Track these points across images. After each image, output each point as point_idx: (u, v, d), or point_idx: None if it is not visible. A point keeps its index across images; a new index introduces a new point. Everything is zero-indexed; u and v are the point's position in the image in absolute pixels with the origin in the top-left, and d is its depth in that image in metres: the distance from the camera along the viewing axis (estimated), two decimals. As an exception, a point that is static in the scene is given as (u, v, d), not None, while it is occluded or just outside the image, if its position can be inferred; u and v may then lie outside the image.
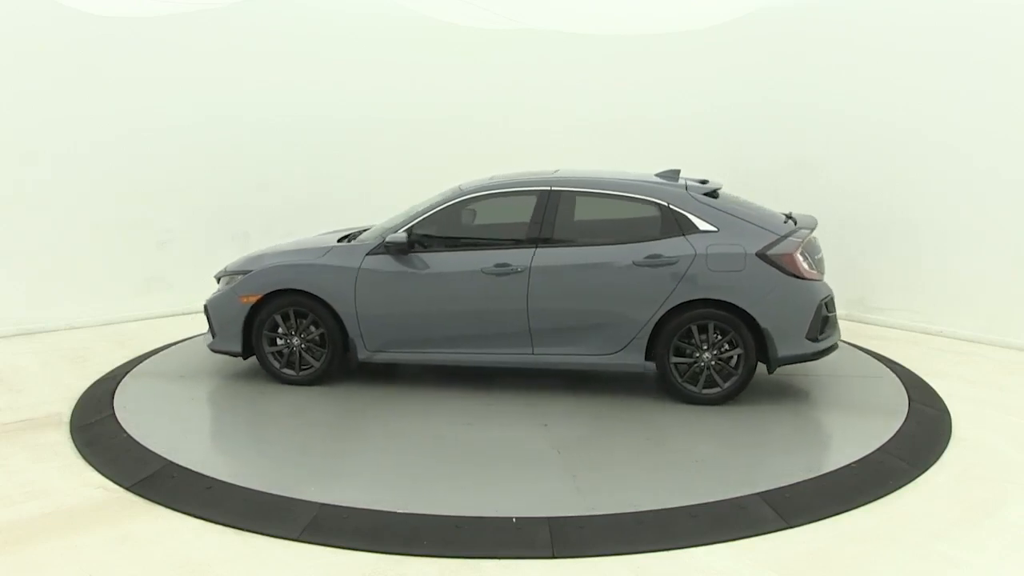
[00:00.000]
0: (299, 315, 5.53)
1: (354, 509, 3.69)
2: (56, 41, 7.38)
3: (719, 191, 5.48)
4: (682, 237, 5.11)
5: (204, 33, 8.22)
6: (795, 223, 5.30)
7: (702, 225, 5.12)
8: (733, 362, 5.09)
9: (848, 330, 7.34)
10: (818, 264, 5.21)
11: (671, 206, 5.19)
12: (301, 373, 5.57)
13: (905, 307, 7.55)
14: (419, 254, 5.35)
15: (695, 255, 5.03)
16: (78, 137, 7.52)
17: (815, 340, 5.04)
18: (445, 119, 9.61)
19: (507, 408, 5.11)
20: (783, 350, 5.02)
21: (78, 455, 4.41)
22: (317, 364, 5.55)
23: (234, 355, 5.69)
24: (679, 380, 5.13)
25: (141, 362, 6.16)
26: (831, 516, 3.67)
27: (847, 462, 4.20)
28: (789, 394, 5.38)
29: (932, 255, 7.38)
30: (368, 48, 9.24)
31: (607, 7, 9.71)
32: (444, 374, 5.80)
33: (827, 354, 5.20)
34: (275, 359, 5.61)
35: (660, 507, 3.71)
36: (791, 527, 3.57)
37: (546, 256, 5.19)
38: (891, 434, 4.60)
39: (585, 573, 3.22)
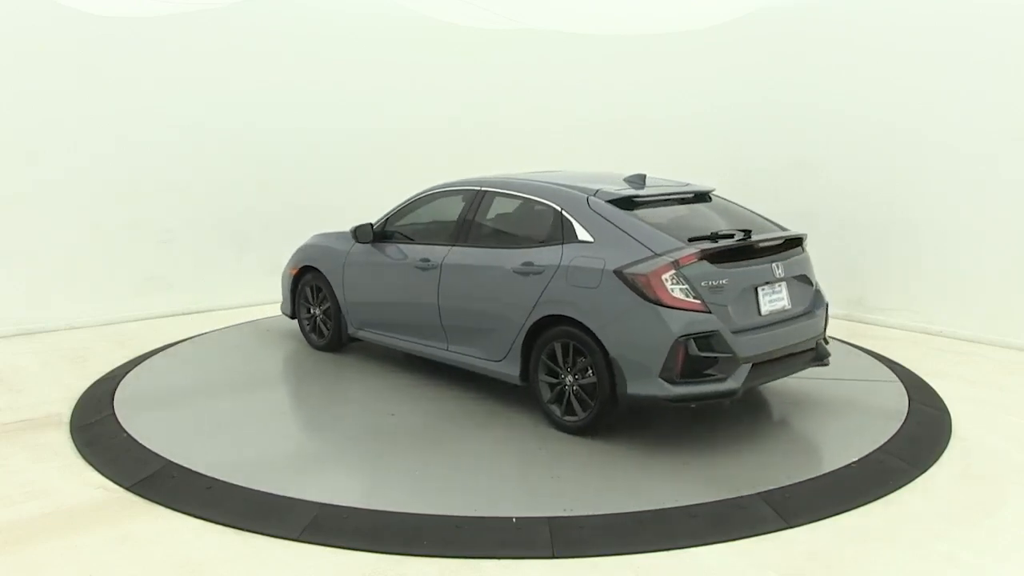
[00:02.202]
0: (316, 289, 6.42)
1: (354, 509, 3.69)
2: (56, 41, 7.38)
3: (648, 198, 4.83)
4: (560, 245, 4.67)
5: (204, 33, 8.22)
6: (739, 238, 4.51)
7: (582, 234, 4.60)
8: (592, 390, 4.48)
9: (848, 330, 7.35)
10: (721, 292, 4.25)
11: (562, 211, 4.76)
12: (319, 341, 6.46)
13: (905, 307, 7.55)
14: (382, 245, 5.83)
15: (558, 266, 4.59)
16: (78, 137, 7.52)
17: (671, 381, 4.15)
18: (445, 119, 9.62)
19: (506, 409, 5.10)
20: (633, 386, 4.24)
21: (78, 455, 4.41)
22: (328, 334, 6.36)
23: (289, 317, 6.76)
24: (543, 401, 4.72)
25: (141, 362, 6.16)
26: (831, 516, 3.67)
27: (847, 462, 4.20)
28: (789, 394, 5.38)
29: (932, 255, 7.37)
30: (368, 48, 9.24)
31: (607, 7, 9.71)
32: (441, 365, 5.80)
33: (693, 403, 4.23)
34: (306, 324, 6.59)
35: (660, 507, 3.71)
36: (791, 527, 3.57)
37: (457, 255, 5.24)
38: (891, 434, 4.60)
39: (585, 573, 3.21)
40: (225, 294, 8.28)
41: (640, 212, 4.68)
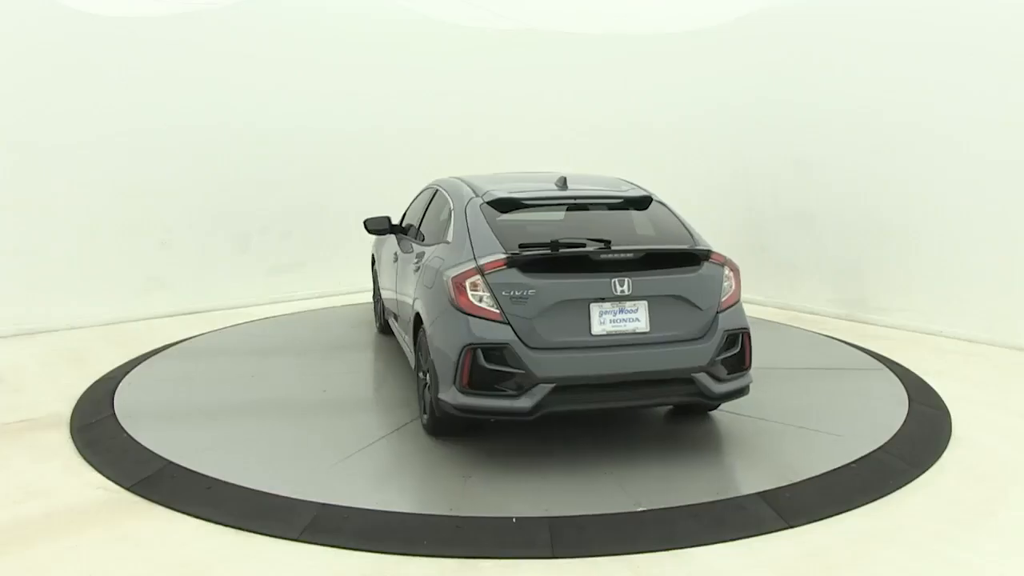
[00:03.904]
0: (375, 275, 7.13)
1: (354, 509, 3.69)
2: (56, 41, 7.38)
3: (535, 202, 4.70)
4: (436, 245, 4.78)
5: (204, 33, 8.22)
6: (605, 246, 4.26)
7: (449, 235, 4.66)
8: None
9: (848, 330, 7.35)
10: (525, 303, 3.98)
11: (451, 211, 4.81)
12: (376, 324, 7.20)
13: (905, 307, 7.55)
14: (401, 238, 5.91)
15: (420, 265, 4.77)
16: (78, 137, 7.52)
17: (462, 391, 4.02)
18: (446, 119, 9.62)
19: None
20: (440, 390, 4.16)
21: (78, 455, 4.41)
22: (377, 320, 7.09)
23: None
24: (420, 397, 4.74)
25: (141, 362, 6.16)
26: (831, 516, 3.67)
27: (847, 462, 4.20)
28: (789, 394, 5.37)
29: (932, 255, 7.37)
30: (368, 48, 9.24)
31: (607, 7, 9.71)
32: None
33: (481, 416, 4.07)
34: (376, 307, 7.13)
35: (660, 507, 3.71)
36: (791, 527, 3.57)
37: (405, 248, 5.61)
38: (891, 434, 4.60)
39: (585, 573, 3.21)
40: (225, 294, 8.29)
41: (509, 216, 4.53)
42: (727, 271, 4.44)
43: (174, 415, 5.01)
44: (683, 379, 4.15)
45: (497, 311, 4.01)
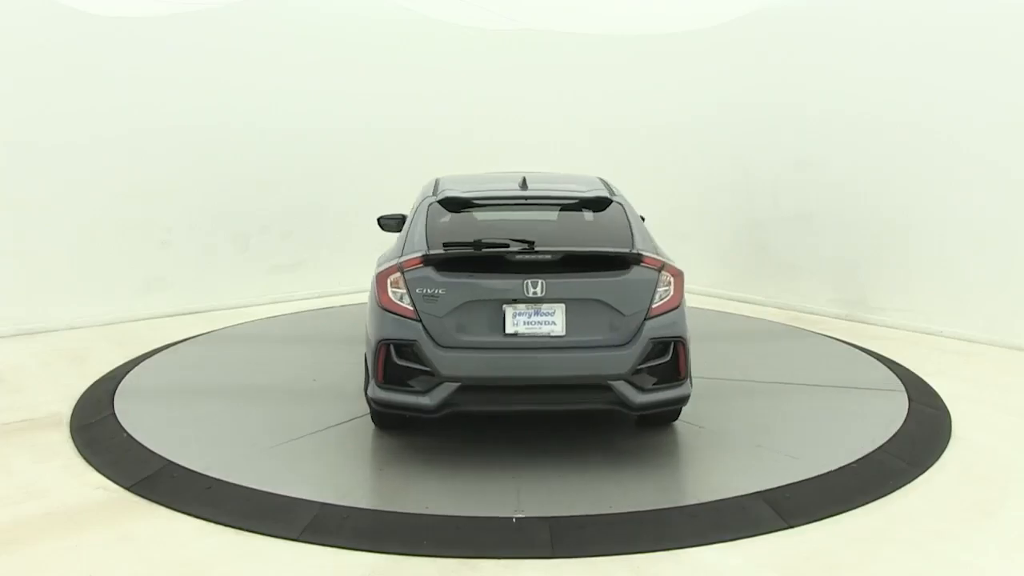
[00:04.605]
0: None
1: (354, 509, 3.69)
2: (56, 41, 7.37)
3: (485, 201, 4.70)
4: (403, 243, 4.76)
5: (204, 33, 8.22)
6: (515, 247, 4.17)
7: (403, 233, 4.68)
8: None
9: (848, 330, 7.35)
10: (436, 302, 4.01)
11: (414, 210, 4.83)
12: None
13: (905, 307, 7.54)
14: None
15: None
16: (78, 137, 7.51)
17: (379, 386, 4.13)
18: (447, 119, 9.62)
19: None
20: (369, 386, 4.28)
21: (78, 455, 4.41)
22: None
23: None
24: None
25: (141, 362, 6.15)
26: (831, 516, 3.67)
27: (847, 462, 4.20)
28: (789, 394, 5.38)
29: (932, 255, 7.37)
30: (369, 48, 9.24)
31: (607, 7, 9.71)
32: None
33: (394, 410, 4.18)
34: None
35: (660, 507, 3.71)
36: (791, 527, 3.57)
37: None
38: (891, 434, 4.60)
39: (585, 573, 3.21)
40: (225, 294, 8.28)
41: (458, 216, 4.58)
42: (665, 276, 4.22)
43: (174, 415, 5.01)
44: (600, 386, 4.04)
45: (411, 308, 4.05)
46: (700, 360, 6.28)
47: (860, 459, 4.24)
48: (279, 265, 8.83)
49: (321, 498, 3.77)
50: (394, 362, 4.05)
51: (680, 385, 4.21)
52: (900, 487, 3.98)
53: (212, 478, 3.99)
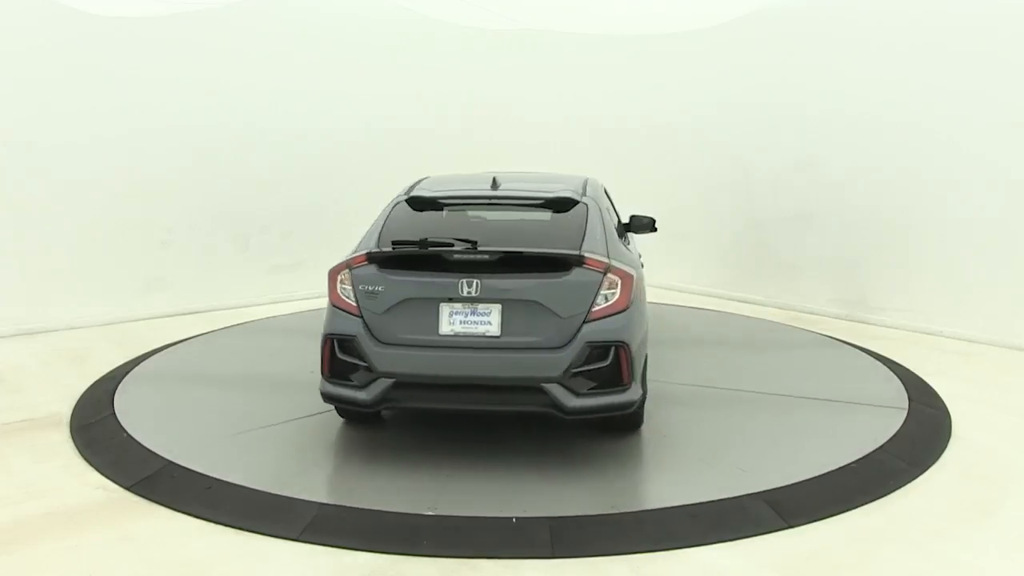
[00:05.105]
0: None
1: (354, 509, 3.69)
2: (56, 41, 7.37)
3: (449, 201, 4.76)
4: None
5: (204, 33, 8.22)
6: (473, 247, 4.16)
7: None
8: None
9: (848, 330, 7.35)
10: (375, 299, 4.11)
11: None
12: None
13: (905, 307, 7.54)
14: None
15: None
16: (78, 137, 7.51)
17: (327, 380, 4.26)
18: (446, 119, 9.62)
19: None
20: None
21: (78, 455, 4.41)
22: None
23: None
24: None
25: (141, 362, 6.15)
26: (831, 516, 3.67)
27: (847, 462, 4.20)
28: (788, 394, 5.38)
29: (932, 255, 7.37)
30: (369, 48, 9.24)
31: (607, 7, 9.71)
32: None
33: (336, 404, 4.34)
34: None
35: (660, 507, 3.71)
36: (791, 527, 3.56)
37: None
38: (891, 434, 4.60)
39: (585, 573, 3.21)
40: (225, 294, 8.28)
41: (421, 214, 4.64)
42: (610, 279, 4.10)
43: (174, 415, 5.01)
44: (533, 388, 3.98)
45: (355, 305, 4.16)
46: (700, 360, 6.30)
47: (860, 459, 4.24)
48: (279, 265, 8.83)
49: (321, 498, 3.77)
50: (337, 357, 4.17)
51: (623, 391, 4.07)
52: (900, 487, 3.98)
53: (212, 478, 3.99)
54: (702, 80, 9.24)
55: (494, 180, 4.82)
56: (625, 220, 6.19)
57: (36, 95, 7.30)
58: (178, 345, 6.71)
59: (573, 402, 3.96)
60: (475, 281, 4.02)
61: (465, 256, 4.11)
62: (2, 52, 7.13)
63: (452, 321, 4.05)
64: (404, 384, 4.04)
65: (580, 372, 3.97)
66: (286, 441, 4.61)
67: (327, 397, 4.28)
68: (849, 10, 7.98)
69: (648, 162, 9.50)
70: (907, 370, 5.98)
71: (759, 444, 4.51)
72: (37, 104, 7.30)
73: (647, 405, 4.59)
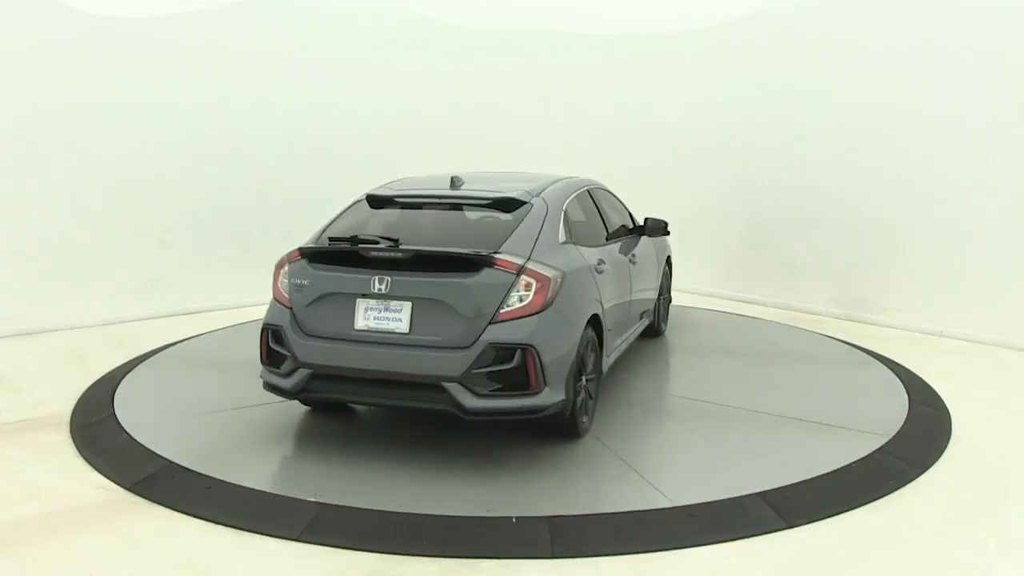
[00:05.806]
0: None
1: (354, 509, 3.69)
2: (56, 41, 7.37)
3: (404, 199, 4.88)
4: None
5: (204, 33, 8.22)
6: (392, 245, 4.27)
7: None
8: None
9: (848, 330, 7.35)
10: (302, 292, 4.28)
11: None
12: None
13: (905, 307, 7.55)
14: None
15: None
16: (78, 137, 7.51)
17: (264, 367, 4.47)
18: (446, 119, 9.62)
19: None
20: None
21: (78, 455, 4.41)
22: None
23: None
24: None
25: (141, 362, 6.15)
26: (831, 516, 3.67)
27: (847, 462, 4.20)
28: (788, 394, 5.38)
29: (932, 255, 7.37)
30: (369, 48, 9.24)
31: (608, 8, 9.71)
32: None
33: (269, 390, 4.46)
34: None
35: (660, 507, 3.71)
36: (791, 527, 3.56)
37: None
38: (891, 434, 4.60)
39: (585, 573, 3.21)
40: (225, 294, 8.28)
41: (374, 212, 4.87)
42: (524, 280, 4.07)
43: (174, 415, 5.01)
44: (434, 386, 4.00)
45: (287, 297, 4.40)
46: (703, 363, 6.30)
47: (860, 459, 4.24)
48: (279, 265, 8.82)
49: (321, 498, 3.76)
50: (269, 346, 4.42)
51: (532, 395, 4.01)
52: (900, 487, 3.98)
53: (212, 478, 3.99)
54: (702, 80, 9.24)
55: (453, 180, 4.90)
56: (640, 223, 6.23)
57: (36, 94, 7.29)
58: (178, 345, 6.71)
59: (473, 403, 3.96)
60: (386, 278, 4.14)
61: (381, 254, 4.24)
62: (2, 52, 7.12)
63: (367, 317, 4.19)
64: (321, 376, 4.22)
65: (483, 373, 3.96)
66: (286, 441, 4.61)
67: (264, 384, 4.49)
68: (850, 11, 7.98)
69: (648, 162, 9.50)
70: (907, 370, 5.98)
71: (759, 445, 4.51)
72: (37, 104, 7.30)
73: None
